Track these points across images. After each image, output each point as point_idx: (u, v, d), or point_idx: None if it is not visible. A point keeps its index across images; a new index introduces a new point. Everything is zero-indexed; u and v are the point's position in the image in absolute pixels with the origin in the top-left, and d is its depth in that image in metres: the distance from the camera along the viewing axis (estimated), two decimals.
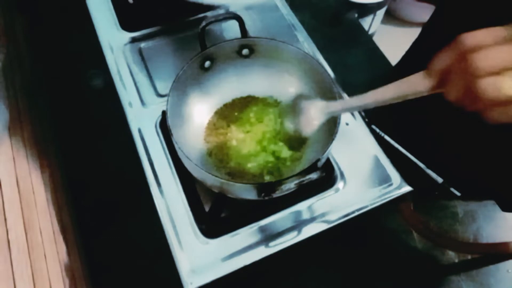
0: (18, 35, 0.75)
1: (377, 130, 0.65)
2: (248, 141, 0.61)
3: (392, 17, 1.84)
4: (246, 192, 0.53)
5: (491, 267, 0.56)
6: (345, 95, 0.70)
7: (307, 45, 0.75)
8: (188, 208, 0.58)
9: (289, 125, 0.54)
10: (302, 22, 0.79)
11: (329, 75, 0.56)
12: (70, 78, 0.70)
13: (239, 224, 0.58)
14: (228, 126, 0.62)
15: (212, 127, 0.63)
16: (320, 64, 0.58)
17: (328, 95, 0.56)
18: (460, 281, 0.55)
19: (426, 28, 0.71)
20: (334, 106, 0.49)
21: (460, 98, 0.34)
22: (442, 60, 0.33)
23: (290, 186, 0.48)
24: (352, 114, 0.68)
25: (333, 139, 0.51)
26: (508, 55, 0.30)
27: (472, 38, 0.31)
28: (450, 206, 0.61)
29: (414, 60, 0.74)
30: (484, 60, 0.31)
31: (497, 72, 0.30)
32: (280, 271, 0.56)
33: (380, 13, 1.56)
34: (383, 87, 0.40)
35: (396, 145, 0.64)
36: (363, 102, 0.43)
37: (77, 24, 0.76)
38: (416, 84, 0.36)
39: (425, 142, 0.64)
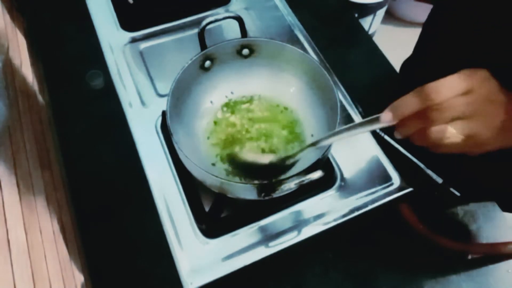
0: (18, 35, 0.75)
1: (377, 130, 0.65)
2: (248, 140, 0.61)
3: (392, 17, 1.84)
4: (246, 192, 0.53)
5: (491, 267, 0.56)
6: (344, 94, 0.70)
7: (307, 45, 0.75)
8: (188, 208, 0.58)
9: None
10: (302, 22, 0.79)
11: (329, 75, 0.56)
12: (70, 78, 0.70)
13: (239, 224, 0.58)
14: (229, 125, 0.63)
15: (213, 126, 0.63)
16: (320, 64, 0.58)
17: (328, 95, 0.57)
18: (460, 281, 0.55)
19: (425, 31, 0.71)
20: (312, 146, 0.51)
21: (410, 136, 0.39)
22: (407, 108, 0.37)
23: (290, 186, 0.48)
24: (351, 116, 0.68)
25: None
26: (460, 108, 0.36)
27: (437, 94, 0.36)
28: (450, 206, 0.61)
29: (419, 61, 0.74)
30: (441, 113, 0.36)
31: (449, 121, 0.37)
32: (280, 271, 0.56)
33: (380, 13, 1.56)
34: (352, 124, 0.43)
35: (396, 145, 0.64)
36: (336, 138, 0.47)
37: (77, 24, 0.76)
38: (380, 123, 0.39)
39: None
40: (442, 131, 0.37)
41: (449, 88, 0.36)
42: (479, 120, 0.37)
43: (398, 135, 0.40)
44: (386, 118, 0.38)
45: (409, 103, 0.37)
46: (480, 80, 0.37)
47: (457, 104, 0.36)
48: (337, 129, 0.45)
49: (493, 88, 0.38)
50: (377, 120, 0.39)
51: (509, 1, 0.47)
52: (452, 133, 0.37)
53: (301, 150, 0.52)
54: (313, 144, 0.50)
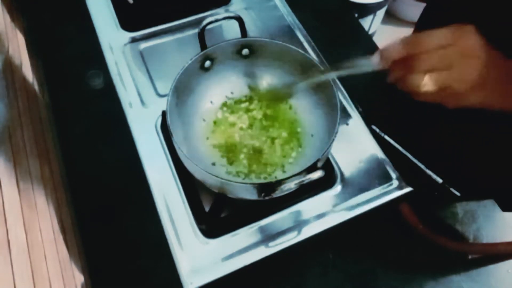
0: (18, 35, 0.75)
1: (377, 130, 0.65)
2: (248, 141, 0.61)
3: (392, 17, 1.84)
4: (246, 192, 0.53)
5: (491, 267, 0.56)
6: (344, 94, 0.70)
7: (307, 45, 0.75)
8: (188, 208, 0.58)
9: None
10: (302, 22, 0.79)
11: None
12: (70, 78, 0.70)
13: (239, 224, 0.58)
14: (228, 125, 0.63)
15: (212, 127, 0.63)
16: (320, 64, 0.57)
17: (328, 95, 0.57)
18: (460, 281, 0.55)
19: (418, 28, 0.71)
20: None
21: (395, 81, 0.42)
22: (394, 53, 0.41)
23: (290, 186, 0.48)
24: (351, 115, 0.68)
25: (333, 139, 0.51)
26: (437, 60, 0.39)
27: (419, 44, 0.39)
28: (450, 206, 0.61)
29: None
30: (420, 62, 0.39)
31: (427, 70, 0.39)
32: (280, 271, 0.56)
33: (380, 13, 1.55)
34: (344, 62, 0.47)
35: (396, 145, 0.64)
36: (328, 75, 0.52)
37: (77, 24, 0.76)
38: (371, 64, 0.43)
39: (425, 142, 0.64)
40: (419, 79, 0.39)
41: (431, 40, 0.39)
42: (455, 72, 0.39)
43: (388, 80, 0.43)
44: (375, 60, 0.42)
45: (394, 49, 0.41)
46: (462, 35, 0.39)
47: (435, 55, 0.39)
48: (328, 66, 0.49)
49: (473, 44, 0.39)
50: (367, 62, 0.43)
51: (500, 1, 0.48)
52: (427, 83, 0.39)
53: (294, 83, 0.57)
54: (301, 80, 0.56)
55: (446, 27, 0.40)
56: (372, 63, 0.43)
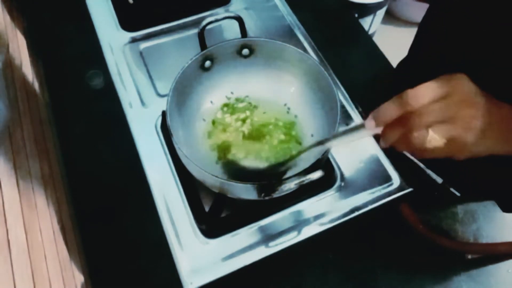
0: (18, 35, 0.75)
1: None
2: (248, 141, 0.61)
3: (392, 17, 1.84)
4: (246, 192, 0.53)
5: (491, 267, 0.56)
6: (344, 94, 0.70)
7: (307, 45, 0.75)
8: (188, 208, 0.58)
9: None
10: (302, 22, 0.79)
11: (329, 75, 0.56)
12: (70, 78, 0.70)
13: (239, 224, 0.58)
14: (228, 125, 0.62)
15: (212, 126, 0.63)
16: (320, 64, 0.58)
17: (328, 95, 0.57)
18: (460, 281, 0.55)
19: (421, 29, 0.71)
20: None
21: (394, 143, 0.40)
22: (389, 114, 0.38)
23: (290, 186, 0.48)
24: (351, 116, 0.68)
25: None
26: (439, 112, 0.37)
27: (415, 99, 0.37)
28: (450, 206, 0.61)
29: (414, 61, 0.74)
30: (420, 118, 0.37)
31: (429, 125, 0.37)
32: (280, 271, 0.56)
33: (380, 13, 1.56)
34: (341, 132, 0.45)
35: None
36: (326, 146, 0.49)
37: (77, 24, 0.76)
38: (365, 130, 0.40)
39: None
40: (423, 135, 0.38)
41: (427, 93, 0.37)
42: (458, 123, 0.38)
43: (383, 144, 0.41)
44: (370, 124, 0.39)
45: (389, 109, 0.38)
46: (457, 84, 0.38)
47: (435, 108, 0.37)
48: (322, 139, 0.46)
49: (470, 91, 0.38)
50: (362, 127, 0.40)
51: (502, 2, 0.48)
52: (433, 137, 0.38)
53: (291, 159, 0.53)
54: (299, 153, 0.51)
55: (437, 79, 0.38)
56: (367, 128, 0.40)
